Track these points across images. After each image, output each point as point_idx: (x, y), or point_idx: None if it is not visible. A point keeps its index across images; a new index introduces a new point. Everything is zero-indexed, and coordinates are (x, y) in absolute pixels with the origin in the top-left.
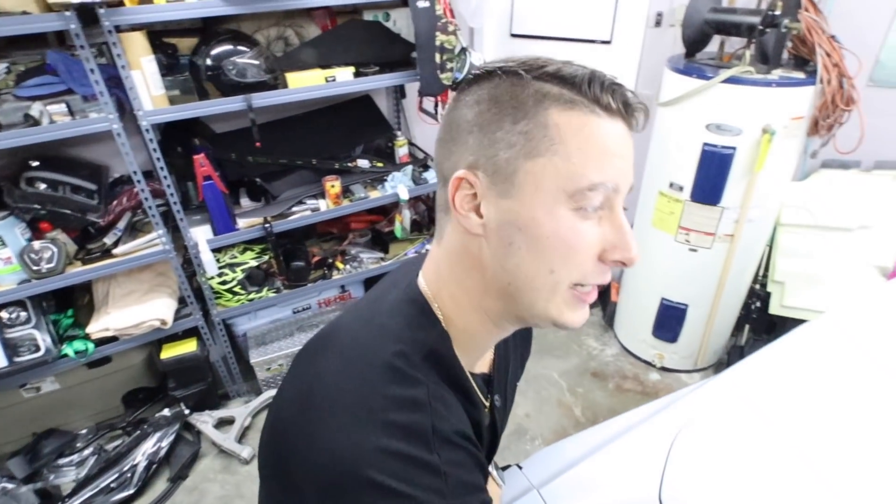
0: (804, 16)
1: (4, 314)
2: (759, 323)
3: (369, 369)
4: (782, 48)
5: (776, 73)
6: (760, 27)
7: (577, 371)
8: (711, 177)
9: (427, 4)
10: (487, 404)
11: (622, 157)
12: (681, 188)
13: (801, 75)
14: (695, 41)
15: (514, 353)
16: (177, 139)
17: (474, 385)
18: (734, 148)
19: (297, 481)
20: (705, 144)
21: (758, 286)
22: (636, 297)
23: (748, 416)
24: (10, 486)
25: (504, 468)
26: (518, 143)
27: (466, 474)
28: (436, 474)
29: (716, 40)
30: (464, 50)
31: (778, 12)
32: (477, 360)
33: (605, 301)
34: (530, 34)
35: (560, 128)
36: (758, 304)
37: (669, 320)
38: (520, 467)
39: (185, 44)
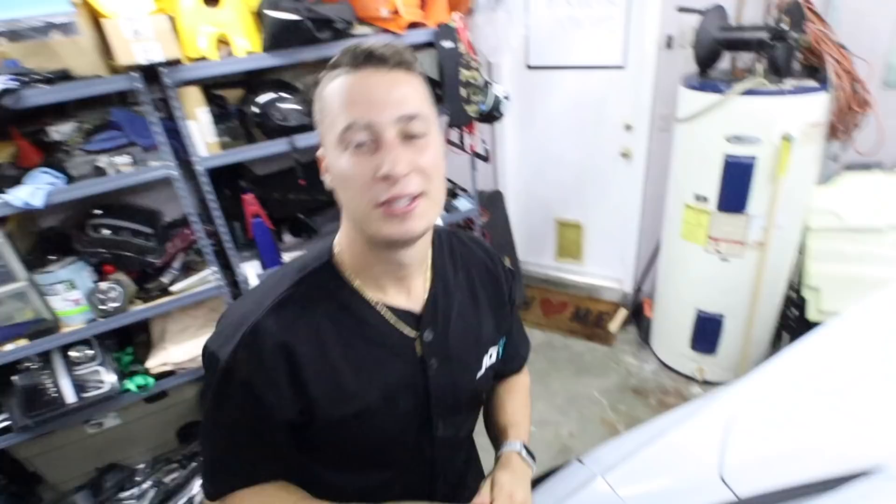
0: (810, 27)
1: (73, 353)
2: (799, 330)
3: (277, 279)
4: (792, 59)
5: (789, 83)
6: (769, 41)
7: (617, 389)
8: (735, 186)
9: (451, 45)
10: (413, 335)
11: (369, 97)
12: (706, 199)
13: (813, 83)
14: (707, 59)
15: (476, 301)
16: (224, 182)
17: (375, 305)
18: (755, 157)
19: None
20: (727, 156)
21: (793, 293)
22: (671, 310)
23: (798, 396)
24: None
25: (550, 474)
26: (317, 118)
27: (253, 368)
28: (230, 343)
29: (726, 56)
30: (487, 83)
31: (785, 27)
32: (388, 290)
33: (639, 317)
34: (545, 65)
35: (328, 95)
36: (795, 310)
37: (707, 332)
38: (580, 461)
39: (233, 94)
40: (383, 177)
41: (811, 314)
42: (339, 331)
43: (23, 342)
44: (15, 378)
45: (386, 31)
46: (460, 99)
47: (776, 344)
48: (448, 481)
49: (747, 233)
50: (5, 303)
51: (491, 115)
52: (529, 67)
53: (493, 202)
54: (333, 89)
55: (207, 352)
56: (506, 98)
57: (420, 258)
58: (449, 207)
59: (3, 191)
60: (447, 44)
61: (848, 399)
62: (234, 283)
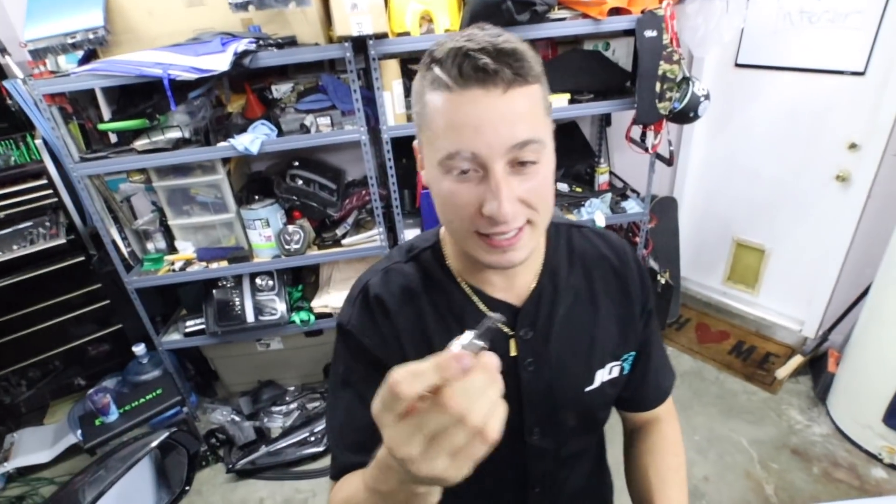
0: None
1: (259, 280)
2: None
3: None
4: None
5: None
6: None
7: (772, 443)
8: None
9: (654, 34)
10: (510, 332)
11: (475, 125)
12: None
13: None
14: None
15: (581, 296)
16: (403, 152)
17: (465, 289)
18: None
19: None
20: None
21: None
22: (866, 370)
23: None
24: (237, 418)
25: None
26: (417, 123)
27: (364, 320)
28: (351, 305)
29: None
30: (686, 79)
31: None
32: (488, 282)
33: (818, 369)
34: (758, 64)
35: (429, 107)
36: None
37: None
38: None
39: None
40: (487, 215)
41: None
42: (436, 311)
43: (224, 264)
44: (214, 291)
45: (585, 16)
46: (653, 94)
47: None
48: (548, 496)
49: None
50: (218, 228)
51: (684, 115)
52: (738, 65)
53: (664, 208)
54: (435, 104)
55: (336, 323)
56: (705, 97)
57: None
58: (615, 208)
59: (231, 135)
60: (649, 33)
61: None
62: (395, 244)
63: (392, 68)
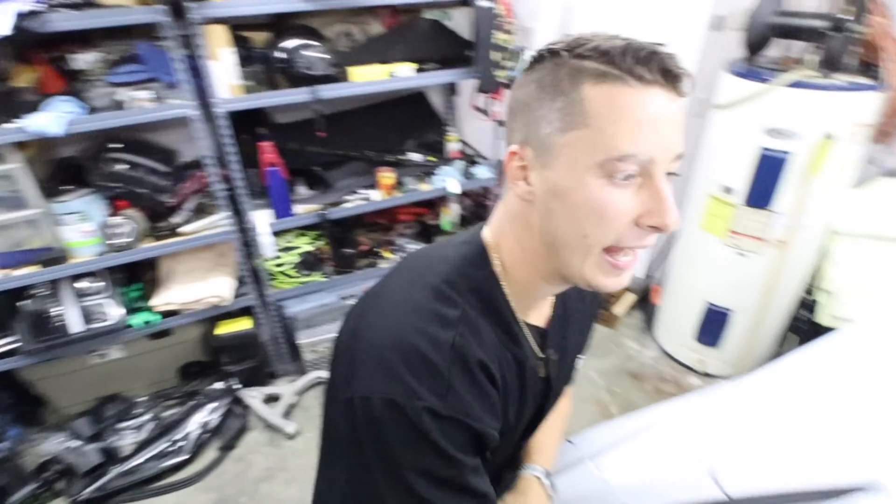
0: (873, 20)
1: (82, 283)
2: (808, 334)
3: (423, 287)
4: (847, 53)
5: (841, 78)
6: (827, 32)
7: (614, 371)
8: (765, 181)
9: (488, 4)
10: (543, 356)
11: (657, 127)
12: (732, 191)
13: (866, 81)
14: (756, 44)
15: (576, 316)
16: (243, 128)
17: (523, 327)
18: (791, 153)
19: (344, 358)
20: (763, 149)
21: (807, 295)
22: (680, 299)
23: (800, 401)
24: (75, 444)
25: None
26: (555, 119)
27: (468, 397)
28: (441, 381)
29: (777, 43)
30: (521, 50)
31: (847, 17)
32: (531, 311)
33: (645, 303)
34: None
35: (592, 101)
36: (807, 314)
37: (713, 325)
38: (570, 441)
39: (258, 37)
40: (654, 226)
41: (823, 319)
42: (503, 350)
43: (33, 269)
44: (22, 303)
45: None
46: (491, 63)
47: (782, 344)
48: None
49: (769, 229)
50: (15, 228)
51: None
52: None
53: None
54: (609, 98)
55: (374, 400)
56: None
57: None
58: (467, 174)
59: (18, 116)
60: (484, 3)
61: (851, 411)
62: (243, 229)
63: (219, 34)
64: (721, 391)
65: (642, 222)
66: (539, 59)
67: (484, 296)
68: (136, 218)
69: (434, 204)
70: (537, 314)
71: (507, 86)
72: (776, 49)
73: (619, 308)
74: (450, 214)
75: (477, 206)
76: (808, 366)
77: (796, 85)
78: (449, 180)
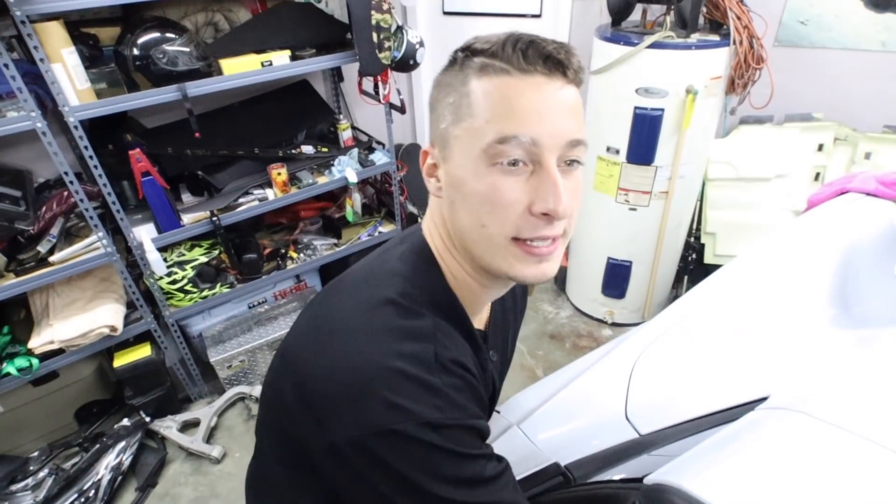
0: None
1: None
2: (697, 273)
3: (381, 306)
4: (698, 13)
5: (694, 37)
6: None
7: (535, 336)
8: (644, 138)
9: None
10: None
11: (540, 112)
12: (617, 151)
13: (716, 38)
14: (619, 10)
15: (511, 313)
16: (106, 137)
17: (477, 334)
18: (662, 109)
19: (311, 402)
20: (636, 108)
21: (692, 239)
22: (584, 259)
23: (695, 337)
24: None
25: None
26: (449, 114)
27: (462, 398)
28: (436, 394)
29: (638, 9)
30: (400, 28)
31: None
32: (475, 316)
33: None
34: (462, 11)
35: (477, 93)
36: (694, 255)
37: (616, 278)
38: (497, 412)
39: (107, 34)
40: (542, 213)
41: (708, 258)
42: (472, 355)
43: None
44: None
45: None
46: (372, 45)
47: (676, 286)
48: None
49: (654, 183)
50: None
51: (405, 63)
52: (445, 13)
53: (411, 156)
54: (488, 89)
55: (369, 438)
56: (420, 45)
57: None
58: (364, 161)
59: None
60: None
61: (740, 337)
62: (127, 249)
63: (56, 33)
64: (628, 339)
65: (534, 210)
66: (448, 63)
67: (443, 303)
68: None
69: (336, 196)
70: (479, 318)
71: (392, 67)
72: (639, 13)
73: None
74: (353, 205)
75: (380, 192)
76: (701, 302)
77: (657, 46)
78: (347, 170)
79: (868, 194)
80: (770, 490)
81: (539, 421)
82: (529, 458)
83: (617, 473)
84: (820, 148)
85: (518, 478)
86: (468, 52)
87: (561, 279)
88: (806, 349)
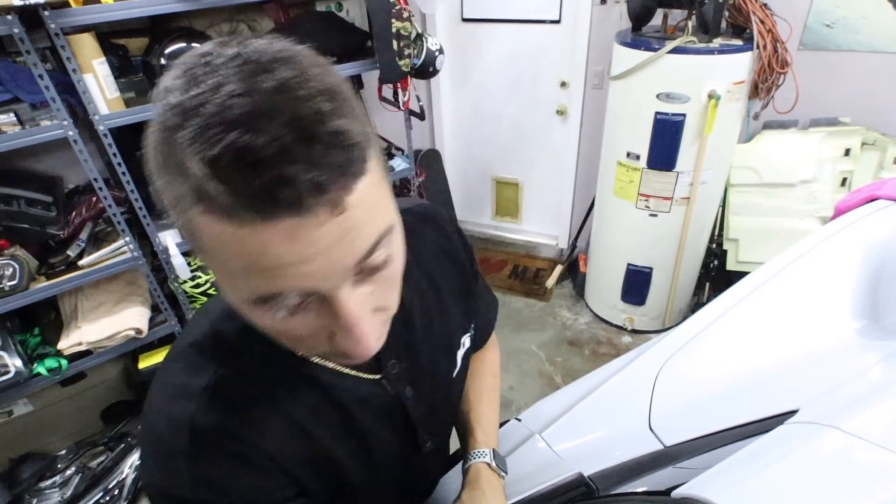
0: None
1: None
2: (718, 280)
3: (175, 356)
4: (721, 18)
5: (716, 42)
6: None
7: (553, 342)
8: (665, 144)
9: None
10: (378, 376)
11: (294, 263)
12: (637, 157)
13: (739, 42)
14: (639, 16)
15: (427, 295)
16: (133, 144)
17: (323, 362)
18: (684, 115)
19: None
20: (657, 113)
21: (714, 245)
22: (604, 265)
23: (715, 349)
24: None
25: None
26: (180, 225)
27: (223, 473)
28: (175, 462)
29: (659, 13)
30: (420, 36)
31: None
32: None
33: (574, 272)
34: (481, 17)
35: (204, 236)
36: (715, 262)
37: (636, 284)
38: (518, 420)
39: (136, 44)
40: (344, 352)
41: (730, 264)
42: (295, 400)
43: None
44: None
45: None
46: (392, 52)
47: (698, 293)
48: (439, 469)
49: (675, 189)
50: None
51: (425, 70)
52: (464, 20)
53: (429, 161)
54: (220, 235)
55: (148, 491)
56: (440, 52)
57: None
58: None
59: None
60: None
61: (767, 348)
62: (152, 253)
63: (89, 44)
64: (650, 348)
65: (337, 347)
66: (156, 129)
67: (243, 349)
68: (22, 256)
69: None
70: None
71: (412, 74)
72: (659, 18)
73: (550, 281)
74: None
75: (398, 196)
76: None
77: (679, 51)
78: None
79: None
80: None
81: (561, 430)
82: (551, 467)
83: (641, 485)
84: (847, 153)
85: (540, 488)
86: (182, 138)
87: (580, 285)
88: (835, 361)
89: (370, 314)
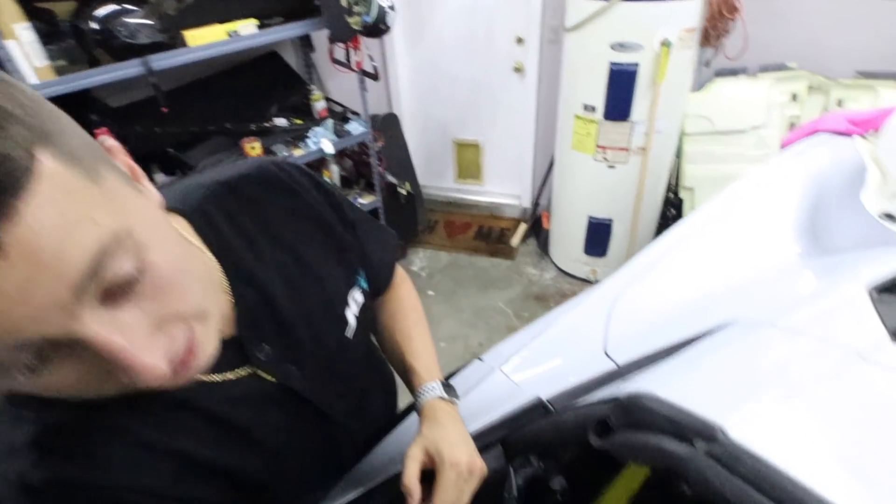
0: None
1: None
2: None
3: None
4: None
5: None
6: None
7: (520, 298)
8: (620, 94)
9: None
10: (249, 371)
11: (23, 308)
12: (594, 109)
13: None
14: None
15: (286, 264)
16: (70, 116)
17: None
18: (637, 64)
19: None
20: (612, 63)
21: (672, 195)
22: (566, 219)
23: (667, 274)
24: None
25: (452, 375)
26: None
27: None
28: None
29: None
30: None
31: None
32: None
33: (538, 230)
34: None
35: None
36: (673, 211)
37: (597, 236)
38: (480, 359)
39: (63, 8)
40: (129, 384)
41: (687, 213)
42: (150, 430)
43: None
44: None
45: None
46: (341, 9)
47: None
48: (359, 437)
49: (631, 139)
50: None
51: (376, 28)
52: None
53: (387, 125)
54: None
55: None
56: (391, 8)
57: None
58: (340, 132)
59: None
60: None
61: (714, 274)
62: None
63: (7, 7)
64: (604, 283)
65: (123, 381)
66: None
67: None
68: None
69: (314, 168)
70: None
71: (362, 32)
72: None
73: (515, 239)
74: (331, 176)
75: (358, 164)
76: (675, 242)
77: None
78: (322, 141)
79: (838, 133)
80: (738, 390)
81: (520, 363)
82: (511, 396)
83: (594, 399)
84: (794, 98)
85: (502, 415)
86: None
87: (544, 242)
88: (778, 280)
89: (150, 333)
